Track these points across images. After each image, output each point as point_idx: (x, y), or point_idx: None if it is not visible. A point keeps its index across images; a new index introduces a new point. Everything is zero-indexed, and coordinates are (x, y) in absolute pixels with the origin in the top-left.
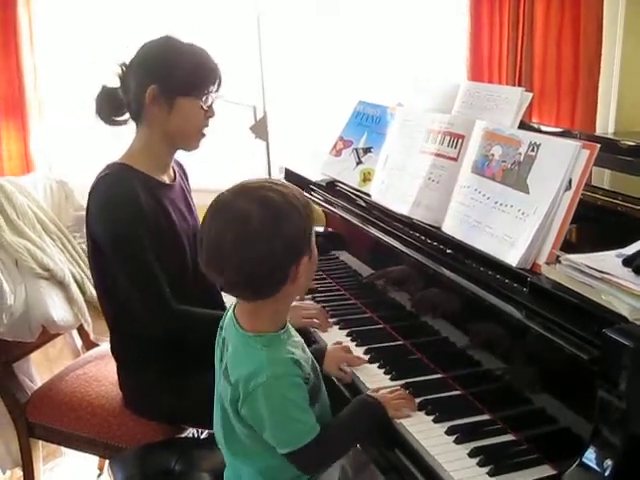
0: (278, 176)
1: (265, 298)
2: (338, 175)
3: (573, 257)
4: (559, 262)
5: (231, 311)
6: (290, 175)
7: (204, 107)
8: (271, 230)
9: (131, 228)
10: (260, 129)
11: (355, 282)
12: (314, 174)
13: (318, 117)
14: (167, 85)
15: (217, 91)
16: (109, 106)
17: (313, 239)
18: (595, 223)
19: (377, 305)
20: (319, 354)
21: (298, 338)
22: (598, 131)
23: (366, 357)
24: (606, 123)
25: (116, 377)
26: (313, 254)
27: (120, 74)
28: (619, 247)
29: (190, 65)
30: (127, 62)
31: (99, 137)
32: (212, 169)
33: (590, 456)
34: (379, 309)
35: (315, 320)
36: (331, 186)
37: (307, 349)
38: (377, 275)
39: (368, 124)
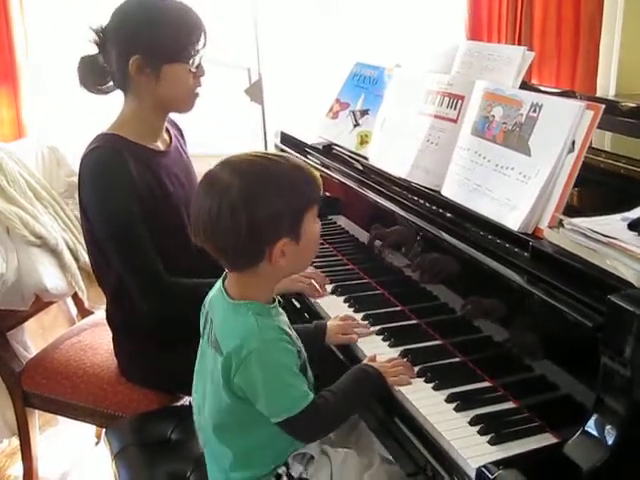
0: (274, 140)
1: (240, 271)
2: (335, 138)
3: (577, 221)
4: (562, 226)
5: (220, 283)
6: (286, 138)
7: (192, 69)
8: (239, 206)
9: (122, 202)
10: (255, 92)
11: (353, 247)
12: (310, 137)
13: (314, 79)
14: (150, 55)
15: (204, 47)
16: (91, 76)
17: (307, 221)
18: (597, 186)
19: (375, 270)
20: (321, 330)
21: (285, 317)
22: (599, 93)
23: (365, 323)
24: (607, 85)
25: (111, 345)
26: (304, 237)
27: (97, 40)
28: (623, 211)
29: (172, 29)
30: (103, 27)
31: (91, 102)
32: (206, 133)
33: (593, 425)
34: (377, 274)
35: (309, 283)
36: (328, 149)
37: (292, 330)
38: (375, 240)
39: (365, 86)
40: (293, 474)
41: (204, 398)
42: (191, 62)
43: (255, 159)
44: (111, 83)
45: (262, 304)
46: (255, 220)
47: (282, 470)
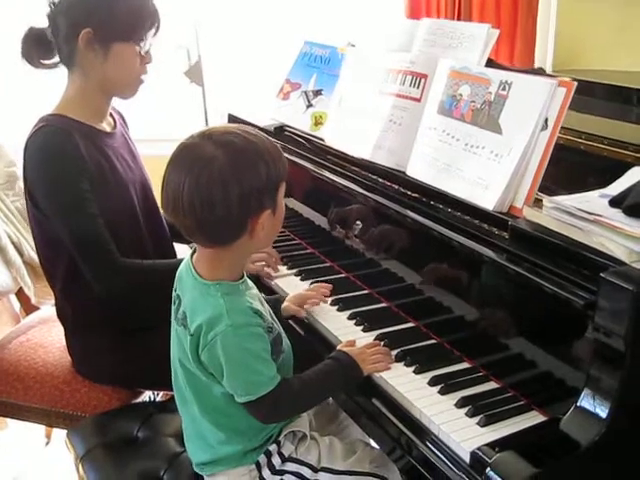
0: (220, 122)
1: (220, 246)
2: (287, 119)
3: (559, 199)
4: (540, 204)
5: (188, 260)
6: (234, 121)
7: (142, 53)
8: (230, 177)
9: (73, 180)
10: (195, 73)
11: (309, 230)
12: (258, 119)
13: (255, 59)
14: (103, 30)
15: (155, 35)
16: (37, 49)
17: (280, 194)
18: (560, 163)
19: (336, 253)
20: (279, 299)
21: (255, 290)
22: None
23: (334, 307)
24: (544, 60)
25: (63, 342)
26: (278, 209)
27: (49, 13)
28: (591, 187)
29: (129, 8)
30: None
31: (28, 90)
32: (146, 117)
33: (586, 400)
34: (338, 257)
35: (264, 265)
36: (279, 131)
37: (265, 302)
38: (335, 222)
39: (317, 65)
40: (284, 452)
41: (184, 377)
42: (141, 45)
43: (234, 131)
44: (55, 59)
45: (231, 283)
46: (245, 190)
47: (273, 448)
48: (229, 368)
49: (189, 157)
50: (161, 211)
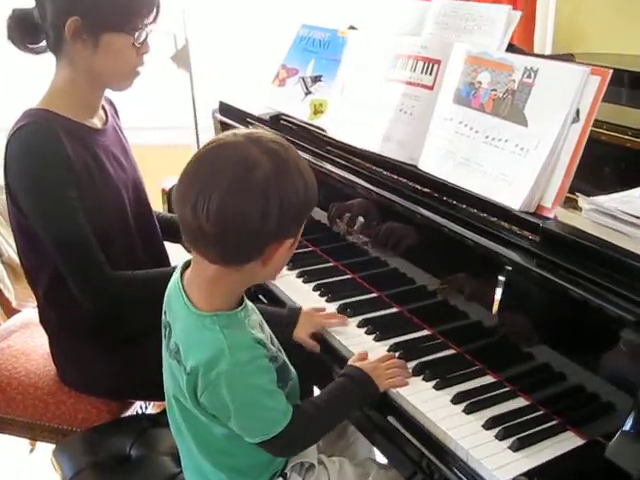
0: (209, 109)
1: (228, 266)
2: (283, 108)
3: (600, 199)
4: (572, 204)
5: (177, 281)
6: (226, 109)
7: (136, 44)
8: (274, 189)
9: (57, 186)
10: (182, 58)
11: (311, 227)
12: (251, 107)
13: (250, 44)
14: (92, 18)
15: (154, 22)
16: (22, 32)
17: (302, 227)
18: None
19: (340, 252)
20: (292, 319)
21: (256, 315)
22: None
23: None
24: (543, 46)
25: (47, 348)
26: (294, 244)
27: None
28: (610, 181)
29: None
30: None
31: (6, 83)
32: (131, 104)
33: (635, 424)
34: (342, 257)
35: None
36: (275, 120)
37: (266, 326)
38: (338, 218)
39: (315, 49)
40: None
41: (180, 414)
42: (136, 36)
43: (280, 141)
44: (44, 43)
45: (229, 313)
46: (284, 211)
47: None
48: (237, 409)
49: (230, 155)
50: (154, 211)
